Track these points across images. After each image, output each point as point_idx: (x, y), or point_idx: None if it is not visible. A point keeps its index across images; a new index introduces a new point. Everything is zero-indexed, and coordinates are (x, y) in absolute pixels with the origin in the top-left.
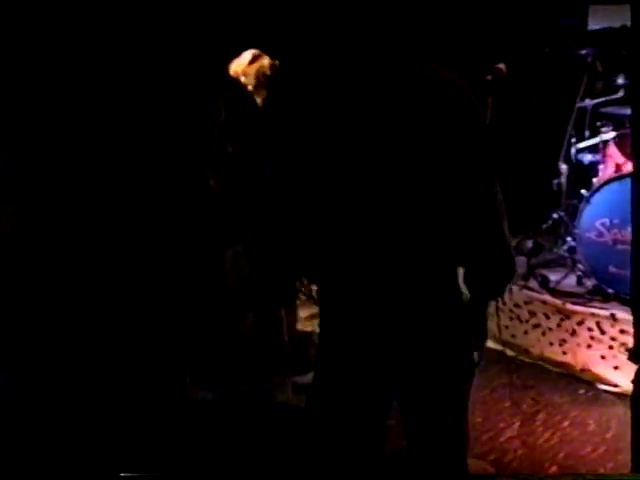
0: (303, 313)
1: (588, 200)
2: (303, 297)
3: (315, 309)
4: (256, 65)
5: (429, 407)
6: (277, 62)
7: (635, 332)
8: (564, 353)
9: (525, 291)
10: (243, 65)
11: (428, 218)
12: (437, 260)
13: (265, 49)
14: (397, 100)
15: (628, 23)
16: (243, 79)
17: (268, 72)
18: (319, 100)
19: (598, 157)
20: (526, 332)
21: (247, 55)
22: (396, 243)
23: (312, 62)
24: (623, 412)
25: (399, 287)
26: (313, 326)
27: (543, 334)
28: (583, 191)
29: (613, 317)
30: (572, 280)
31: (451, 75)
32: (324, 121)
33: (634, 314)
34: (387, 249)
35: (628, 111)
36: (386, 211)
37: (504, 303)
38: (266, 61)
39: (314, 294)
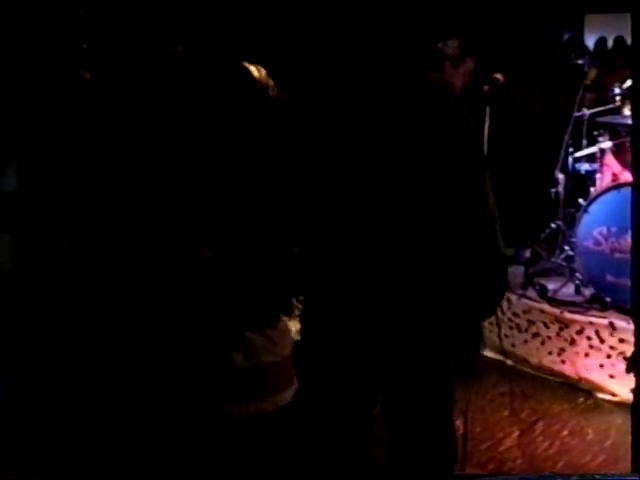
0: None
1: (586, 209)
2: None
3: None
4: None
5: (412, 400)
6: (264, 72)
7: (636, 342)
8: (563, 362)
9: (524, 300)
10: None
11: (419, 224)
12: (427, 265)
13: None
14: (389, 106)
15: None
16: None
17: None
18: (309, 109)
19: (595, 166)
20: (525, 341)
21: None
22: (388, 248)
23: (299, 68)
24: (622, 421)
25: (389, 289)
26: None
27: (542, 343)
28: (580, 200)
29: (612, 326)
30: (570, 289)
31: (441, 81)
32: (316, 129)
33: (635, 323)
34: (379, 254)
35: (625, 120)
36: (378, 216)
37: (503, 312)
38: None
39: None
